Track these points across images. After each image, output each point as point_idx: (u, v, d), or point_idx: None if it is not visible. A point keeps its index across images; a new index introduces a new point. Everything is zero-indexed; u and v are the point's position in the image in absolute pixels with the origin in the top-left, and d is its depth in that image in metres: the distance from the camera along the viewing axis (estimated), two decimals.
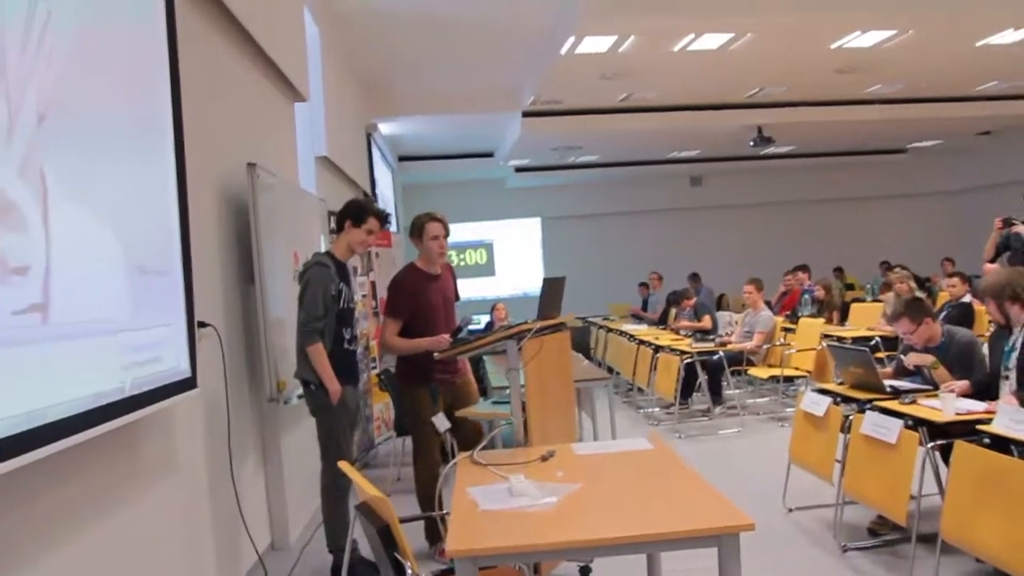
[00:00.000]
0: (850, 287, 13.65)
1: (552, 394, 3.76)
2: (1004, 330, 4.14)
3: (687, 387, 7.93)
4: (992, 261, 7.53)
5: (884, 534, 4.38)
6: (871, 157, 17.39)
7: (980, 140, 16.84)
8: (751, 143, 12.90)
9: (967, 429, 3.57)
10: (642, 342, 8.56)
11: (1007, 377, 4.02)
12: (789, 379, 7.64)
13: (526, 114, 11.67)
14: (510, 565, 2.68)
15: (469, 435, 4.36)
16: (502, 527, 2.37)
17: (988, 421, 3.50)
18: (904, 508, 3.75)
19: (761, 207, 18.06)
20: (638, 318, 12.43)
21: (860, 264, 15.78)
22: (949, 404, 3.76)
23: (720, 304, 13.01)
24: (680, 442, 7.01)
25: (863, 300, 10.56)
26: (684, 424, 7.62)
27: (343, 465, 2.70)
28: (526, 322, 3.62)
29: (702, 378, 7.60)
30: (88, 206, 2.38)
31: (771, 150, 14.10)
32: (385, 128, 12.05)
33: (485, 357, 6.56)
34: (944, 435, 3.68)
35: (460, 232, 17.30)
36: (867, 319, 8.67)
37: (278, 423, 4.64)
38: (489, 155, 15.14)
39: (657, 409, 8.35)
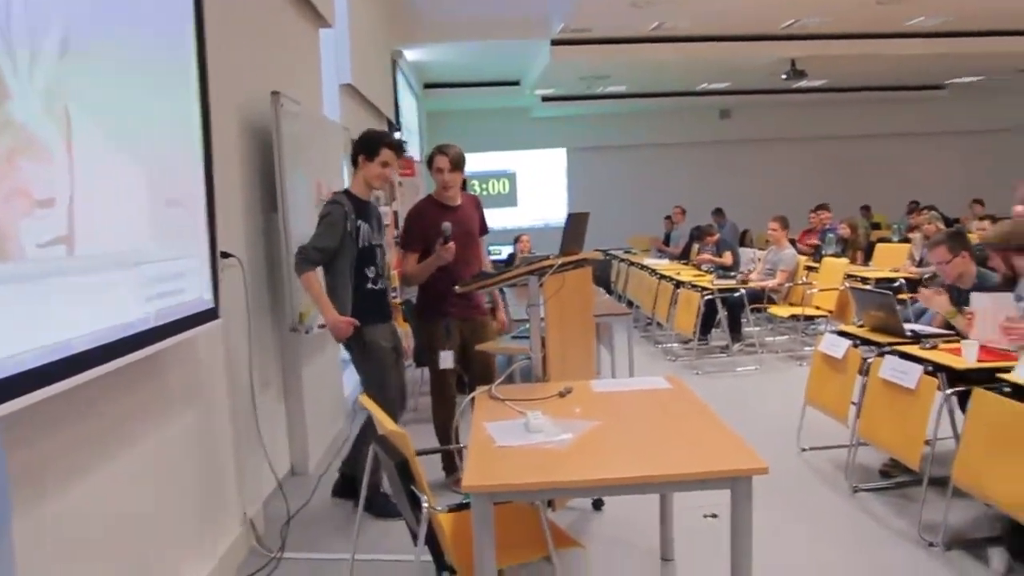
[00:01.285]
0: (876, 226, 13.48)
1: (572, 330, 3.78)
2: (1011, 281, 4.09)
3: (707, 323, 7.93)
4: None
5: (896, 476, 4.42)
6: (907, 93, 16.96)
7: (1022, 77, 16.34)
8: (783, 76, 12.61)
9: (987, 376, 3.56)
10: (663, 277, 8.54)
11: None
12: (810, 318, 7.62)
13: (555, 42, 11.44)
14: (526, 501, 2.73)
15: (481, 371, 4.37)
16: (518, 463, 2.42)
17: (1009, 369, 3.48)
18: (918, 453, 3.77)
19: (790, 142, 17.76)
20: (661, 252, 12.39)
21: (889, 203, 15.54)
22: (971, 351, 3.74)
23: (744, 240, 12.91)
24: (697, 378, 7.04)
25: (889, 240, 10.44)
26: (702, 360, 7.65)
27: (363, 399, 2.75)
28: (548, 257, 3.61)
29: (722, 315, 7.60)
30: (112, 137, 2.38)
31: (803, 84, 13.78)
32: (411, 55, 11.88)
33: (506, 289, 6.58)
34: (964, 382, 3.68)
35: (483, 161, 17.24)
36: (892, 260, 8.59)
37: (299, 352, 4.71)
38: (515, 83, 14.92)
39: (676, 344, 8.38)
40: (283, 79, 4.66)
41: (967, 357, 3.72)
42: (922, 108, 17.67)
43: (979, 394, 3.46)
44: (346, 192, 4.11)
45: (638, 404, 3.06)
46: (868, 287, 5.95)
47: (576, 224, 3.76)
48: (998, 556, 3.43)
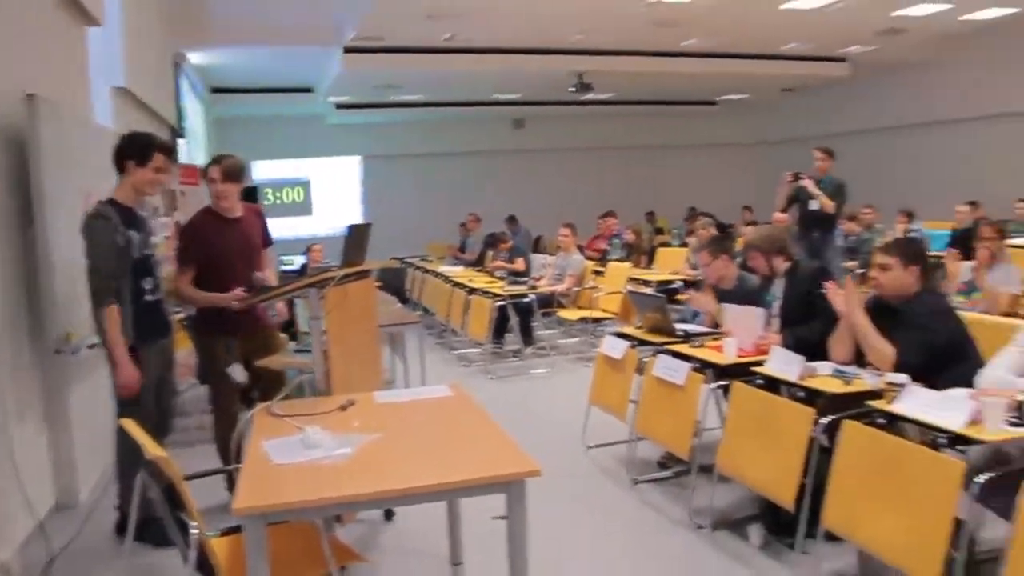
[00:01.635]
0: (660, 231, 14.34)
1: (356, 342, 3.75)
2: (767, 281, 4.50)
3: (500, 328, 8.13)
4: (783, 211, 8.14)
5: (672, 467, 4.72)
6: (685, 107, 18.21)
7: (784, 96, 17.96)
8: (572, 88, 13.15)
9: (745, 370, 3.88)
10: (456, 284, 8.65)
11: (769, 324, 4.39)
12: (597, 321, 7.98)
13: (347, 50, 11.31)
14: (304, 519, 2.68)
15: (271, 385, 4.25)
16: (294, 481, 2.37)
17: (763, 363, 3.80)
18: (687, 443, 4.06)
19: (581, 152, 18.57)
20: (457, 259, 12.54)
21: (672, 209, 16.60)
22: (731, 348, 4.06)
23: (538, 246, 13.32)
24: (491, 383, 7.20)
25: (670, 244, 11.13)
26: (496, 365, 7.82)
27: (125, 423, 2.59)
28: (329, 269, 3.57)
29: (514, 320, 7.80)
30: None
31: (591, 96, 14.43)
32: (195, 58, 11.34)
33: (297, 301, 6.43)
34: (727, 376, 3.99)
35: (277, 169, 16.76)
36: (672, 263, 9.18)
37: (66, 376, 4.36)
38: (308, 90, 14.61)
39: (471, 350, 8.51)
40: (42, 81, 4.30)
41: (727, 354, 4.04)
42: (698, 122, 19.03)
43: (737, 387, 3.77)
44: (110, 201, 3.81)
45: (419, 414, 3.08)
46: (643, 290, 6.31)
47: (357, 235, 3.74)
48: (756, 532, 3.76)
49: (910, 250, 3.59)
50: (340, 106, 15.60)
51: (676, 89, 16.36)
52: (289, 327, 5.75)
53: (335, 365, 3.38)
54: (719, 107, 18.57)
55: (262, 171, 16.68)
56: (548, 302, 8.09)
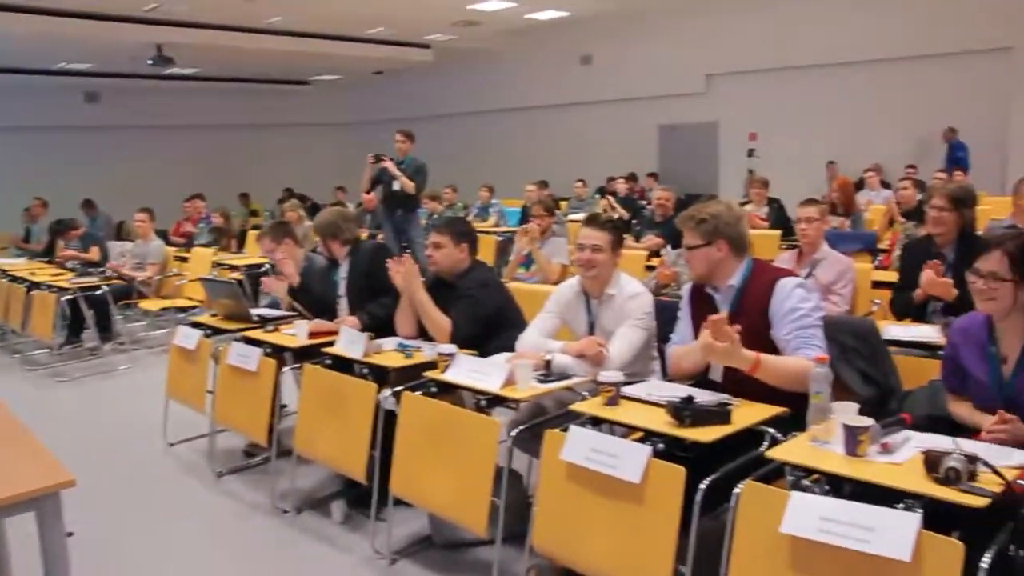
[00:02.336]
0: (255, 213, 13.99)
1: None
2: (334, 263, 4.62)
3: (75, 326, 7.37)
4: (368, 192, 8.38)
5: (258, 454, 4.64)
6: (277, 86, 17.93)
7: (376, 79, 18.47)
8: (150, 61, 12.26)
9: (318, 352, 3.92)
10: (15, 279, 7.64)
11: (338, 302, 4.54)
12: (184, 310, 7.56)
13: None
14: None
15: None
16: None
17: (332, 344, 3.88)
18: (264, 429, 4.04)
19: (166, 130, 17.46)
20: (21, 250, 11.09)
21: (267, 191, 16.26)
22: (302, 330, 4.09)
23: (120, 233, 12.26)
24: (62, 387, 6.51)
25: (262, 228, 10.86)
26: (70, 366, 7.09)
27: None
28: None
29: (88, 314, 7.12)
30: None
31: (174, 71, 13.60)
32: None
33: None
34: (302, 358, 4.00)
35: None
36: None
37: None
38: None
39: (41, 352, 7.61)
40: None
41: (299, 336, 4.06)
42: (292, 101, 18.87)
43: (308, 369, 3.81)
44: None
45: None
46: (214, 277, 6.14)
47: None
48: (338, 508, 3.85)
49: (459, 229, 3.90)
50: None
51: (267, 67, 16.06)
52: None
53: None
54: (312, 87, 18.57)
55: None
56: (127, 293, 7.49)
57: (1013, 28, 10.99)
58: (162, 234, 8.69)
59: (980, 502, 1.90)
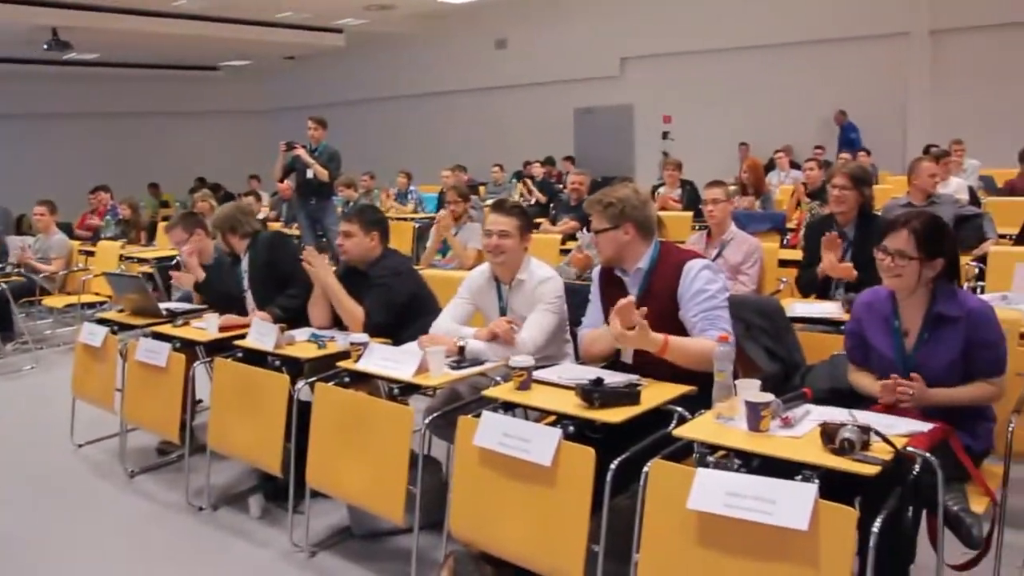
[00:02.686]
0: (165, 204, 13.59)
1: None
2: (237, 257, 4.52)
3: None
4: (281, 180, 8.23)
5: (172, 451, 4.53)
6: (185, 72, 17.40)
7: (288, 64, 18.09)
8: (45, 46, 11.73)
9: (231, 345, 3.84)
10: None
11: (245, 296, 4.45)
12: (91, 305, 7.30)
13: None
14: None
15: None
16: None
17: (244, 336, 3.80)
18: (176, 426, 3.94)
19: (66, 118, 16.76)
20: None
21: (178, 181, 15.77)
22: (212, 324, 4.00)
23: (20, 227, 11.76)
24: None
25: None
26: None
27: None
28: None
29: None
30: None
31: (73, 56, 13.05)
32: None
33: None
34: (214, 352, 3.92)
35: None
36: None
37: None
38: None
39: None
40: None
41: (210, 330, 3.98)
42: (201, 88, 18.34)
43: (219, 363, 3.74)
44: None
45: None
46: (120, 271, 5.95)
47: None
48: (255, 503, 3.79)
49: (369, 218, 3.87)
50: None
51: (173, 52, 15.55)
52: None
53: None
54: (223, 72, 18.09)
55: None
56: (30, 290, 7.19)
57: (911, 15, 11.50)
58: (67, 228, 8.38)
59: (871, 470, 1.99)
